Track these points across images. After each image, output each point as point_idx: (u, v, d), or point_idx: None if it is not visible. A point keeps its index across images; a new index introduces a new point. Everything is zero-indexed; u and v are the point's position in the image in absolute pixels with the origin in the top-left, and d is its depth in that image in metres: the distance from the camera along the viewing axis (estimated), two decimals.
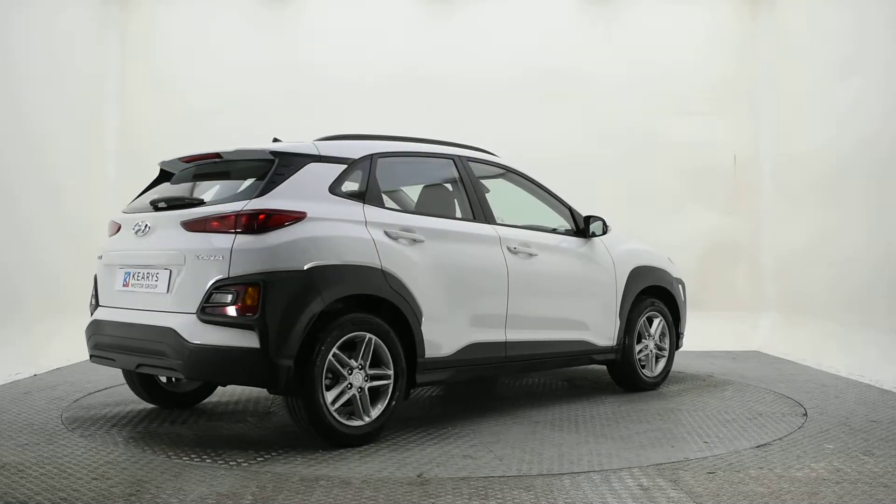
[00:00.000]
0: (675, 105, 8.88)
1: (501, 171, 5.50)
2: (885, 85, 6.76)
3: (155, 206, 4.48)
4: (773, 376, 6.60)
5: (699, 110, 8.89)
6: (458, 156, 5.15)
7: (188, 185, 4.71)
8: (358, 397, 4.17)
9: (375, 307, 4.34)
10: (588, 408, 5.31)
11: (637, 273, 5.84)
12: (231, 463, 3.88)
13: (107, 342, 4.49)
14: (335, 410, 4.08)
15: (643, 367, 5.89)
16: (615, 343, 5.67)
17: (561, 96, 8.84)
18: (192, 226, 4.16)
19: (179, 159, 4.72)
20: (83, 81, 8.17)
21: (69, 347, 6.74)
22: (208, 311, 3.96)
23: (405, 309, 4.36)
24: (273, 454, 4.05)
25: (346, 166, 4.44)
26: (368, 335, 4.20)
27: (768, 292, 8.74)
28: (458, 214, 5.08)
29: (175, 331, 4.01)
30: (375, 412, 4.24)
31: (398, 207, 5.05)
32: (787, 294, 8.45)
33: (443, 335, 4.58)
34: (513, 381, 6.37)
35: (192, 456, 4.01)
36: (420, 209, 5.02)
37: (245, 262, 3.94)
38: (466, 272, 4.74)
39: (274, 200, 4.10)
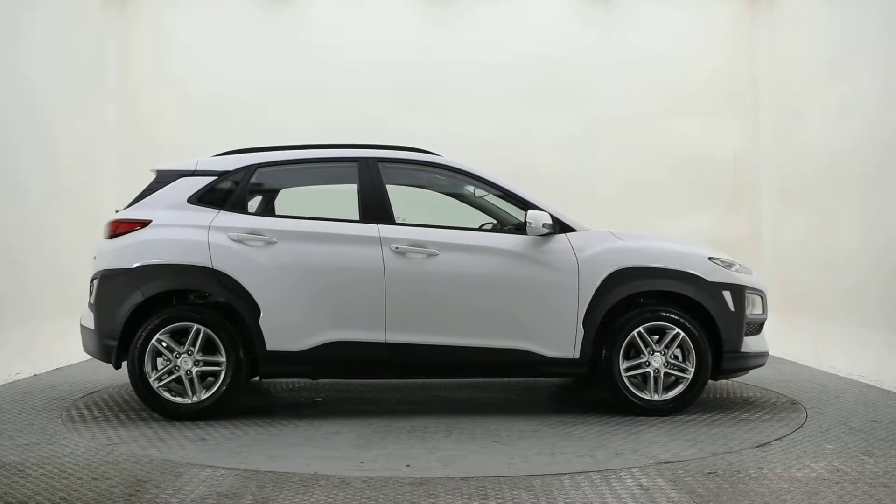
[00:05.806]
0: (675, 104, 8.85)
1: (442, 170, 5.29)
2: (884, 84, 6.75)
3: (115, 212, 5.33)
4: (773, 376, 6.59)
5: (699, 110, 8.87)
6: (366, 158, 5.16)
7: None
8: (185, 379, 4.78)
9: (217, 302, 4.98)
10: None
11: (622, 275, 4.97)
12: (231, 463, 3.89)
13: None
14: (160, 387, 4.76)
15: (637, 386, 5.00)
16: (575, 355, 4.94)
17: (561, 95, 8.82)
18: (103, 233, 5.15)
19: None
20: (89, 83, 8.17)
21: (70, 347, 6.73)
22: (89, 300, 5.04)
23: (237, 305, 4.85)
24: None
25: (215, 178, 5.07)
26: (196, 325, 4.78)
27: (768, 292, 8.72)
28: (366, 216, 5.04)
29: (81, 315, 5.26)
30: (205, 394, 4.80)
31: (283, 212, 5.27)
32: (786, 294, 8.44)
33: (291, 331, 4.85)
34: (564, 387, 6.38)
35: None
36: (302, 212, 5.13)
37: (101, 261, 5.00)
38: (324, 271, 4.89)
39: (135, 211, 5.03)
